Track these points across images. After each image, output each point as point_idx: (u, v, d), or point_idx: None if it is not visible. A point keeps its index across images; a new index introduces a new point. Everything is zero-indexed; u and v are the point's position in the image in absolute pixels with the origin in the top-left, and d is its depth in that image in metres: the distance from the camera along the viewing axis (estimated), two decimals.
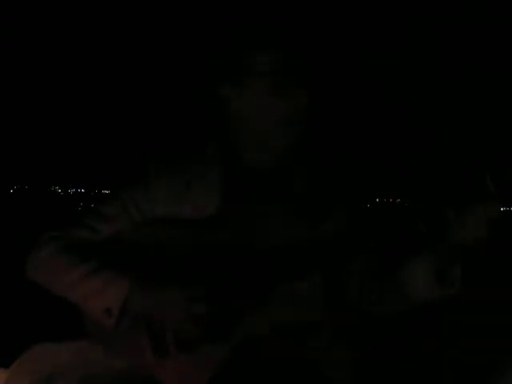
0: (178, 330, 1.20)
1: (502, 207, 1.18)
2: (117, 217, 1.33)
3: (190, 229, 1.28)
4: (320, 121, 1.43)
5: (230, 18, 1.35)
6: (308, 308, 1.24)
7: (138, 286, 1.22)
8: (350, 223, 1.31)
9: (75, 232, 1.32)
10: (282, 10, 1.35)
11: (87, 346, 1.30)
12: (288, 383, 1.16)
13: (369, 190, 1.49)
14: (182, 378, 1.21)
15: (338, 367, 1.25)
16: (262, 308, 1.21)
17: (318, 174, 1.41)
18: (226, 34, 1.34)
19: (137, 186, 1.35)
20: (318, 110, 1.36)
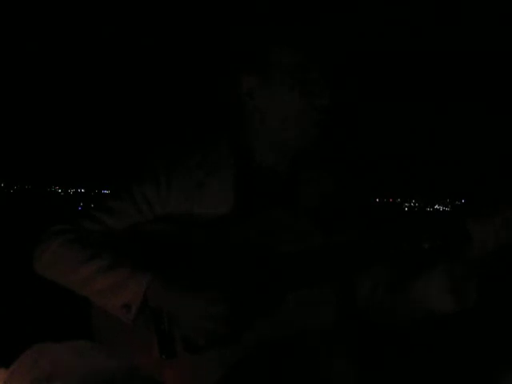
0: (192, 331, 1.20)
1: None
2: (127, 212, 1.32)
3: (202, 227, 1.28)
4: (339, 126, 1.41)
5: (260, 13, 1.35)
6: (320, 315, 1.24)
7: (158, 283, 1.21)
8: (364, 232, 1.29)
9: (85, 226, 1.31)
10: (314, 9, 1.35)
11: (87, 345, 1.30)
12: None
13: (374, 192, 1.48)
14: (184, 379, 1.21)
15: (342, 373, 1.24)
16: (274, 313, 1.21)
17: (330, 180, 1.40)
18: (253, 28, 1.34)
19: (148, 182, 1.34)
20: (338, 116, 1.35)
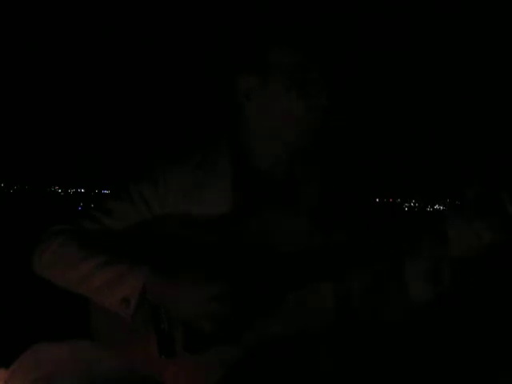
0: (188, 328, 1.20)
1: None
2: (126, 212, 1.33)
3: (201, 228, 1.28)
4: (339, 126, 1.41)
5: (260, 13, 1.35)
6: (320, 315, 1.24)
7: (156, 276, 1.21)
8: (364, 232, 1.29)
9: (84, 226, 1.31)
10: (314, 9, 1.35)
11: (87, 345, 1.30)
12: None
13: (374, 192, 1.48)
14: (184, 379, 1.21)
15: (340, 371, 1.25)
16: (274, 313, 1.21)
17: (329, 179, 1.40)
18: (252, 28, 1.33)
19: (146, 182, 1.34)
20: (338, 116, 1.36)
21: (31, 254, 1.31)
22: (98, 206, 1.35)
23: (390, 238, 1.21)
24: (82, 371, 1.23)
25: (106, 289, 1.22)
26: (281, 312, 1.21)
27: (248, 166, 1.36)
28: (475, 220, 1.15)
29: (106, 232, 1.31)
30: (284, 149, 1.34)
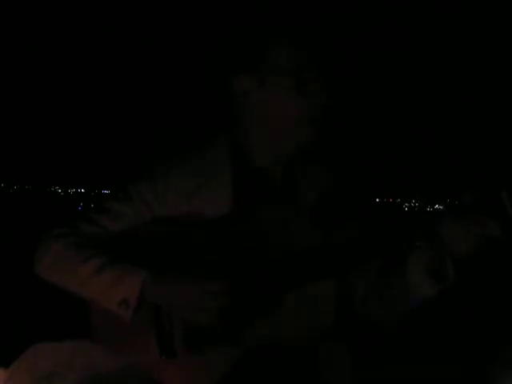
0: (188, 328, 1.20)
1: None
2: (125, 214, 1.33)
3: (201, 228, 1.28)
4: (339, 126, 1.41)
5: (258, 13, 1.35)
6: (320, 315, 1.24)
7: (153, 276, 1.21)
8: (364, 231, 1.29)
9: (83, 228, 1.32)
10: (313, 9, 1.35)
11: (87, 345, 1.30)
12: None
13: (374, 192, 1.48)
14: (184, 379, 1.21)
15: (340, 372, 1.25)
16: (274, 313, 1.21)
17: (329, 179, 1.40)
18: (251, 28, 1.33)
19: (146, 183, 1.34)
20: (338, 116, 1.36)
21: (32, 255, 1.32)
22: (98, 207, 1.35)
23: (389, 238, 1.22)
24: (82, 371, 1.23)
25: (104, 291, 1.22)
26: (281, 312, 1.21)
27: (248, 165, 1.36)
28: (474, 220, 1.15)
29: (105, 234, 1.31)
30: (284, 148, 1.34)
